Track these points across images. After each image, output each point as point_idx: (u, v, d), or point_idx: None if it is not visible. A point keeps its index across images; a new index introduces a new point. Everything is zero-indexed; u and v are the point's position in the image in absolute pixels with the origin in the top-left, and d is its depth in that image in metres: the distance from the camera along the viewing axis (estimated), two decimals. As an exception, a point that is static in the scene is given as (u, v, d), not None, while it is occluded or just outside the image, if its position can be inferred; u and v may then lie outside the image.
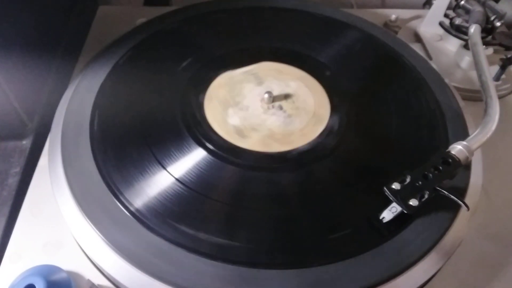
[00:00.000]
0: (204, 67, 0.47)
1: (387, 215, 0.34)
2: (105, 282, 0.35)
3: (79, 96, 0.44)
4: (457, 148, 0.35)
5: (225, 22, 0.54)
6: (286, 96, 0.45)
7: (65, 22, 0.55)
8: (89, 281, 0.34)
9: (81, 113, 0.42)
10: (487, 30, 0.53)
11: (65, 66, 0.52)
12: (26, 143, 0.45)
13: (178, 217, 0.34)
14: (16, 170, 0.43)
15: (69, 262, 0.36)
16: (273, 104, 0.44)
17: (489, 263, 0.39)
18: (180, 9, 0.56)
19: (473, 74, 0.51)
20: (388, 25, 0.60)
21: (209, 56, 0.49)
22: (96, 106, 0.43)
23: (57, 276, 0.33)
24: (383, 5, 0.72)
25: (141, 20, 0.55)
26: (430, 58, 0.56)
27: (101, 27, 0.60)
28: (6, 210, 0.40)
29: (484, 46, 0.49)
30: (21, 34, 0.44)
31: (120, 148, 0.39)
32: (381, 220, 0.34)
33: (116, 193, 0.36)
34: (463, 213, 0.37)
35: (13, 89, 0.42)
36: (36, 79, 0.47)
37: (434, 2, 0.58)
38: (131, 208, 0.35)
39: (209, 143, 0.40)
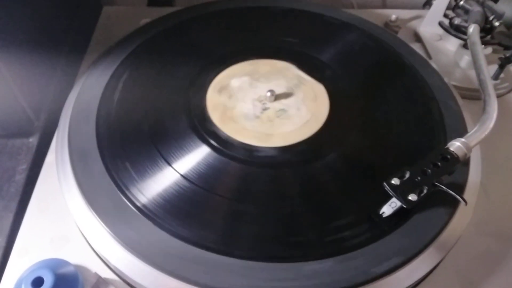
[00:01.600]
0: (208, 65, 0.48)
1: (387, 210, 0.35)
2: (111, 275, 0.36)
3: (86, 94, 0.45)
4: (455, 145, 0.36)
5: (228, 22, 0.55)
6: (288, 94, 0.45)
7: (70, 23, 0.56)
8: (96, 274, 0.35)
9: (88, 110, 0.43)
10: (486, 30, 0.54)
11: (71, 65, 0.53)
12: (33, 140, 0.46)
13: (183, 212, 0.35)
14: (23, 167, 0.44)
15: (75, 256, 0.36)
16: (274, 101, 0.45)
17: (487, 258, 0.39)
18: (183, 10, 0.57)
19: (472, 73, 0.52)
20: (389, 25, 0.61)
21: (213, 55, 0.49)
22: (102, 104, 0.43)
23: (64, 270, 0.34)
24: (384, 5, 0.73)
25: (145, 21, 0.56)
26: (430, 58, 0.57)
27: (105, 27, 0.60)
28: (13, 206, 0.41)
29: (483, 45, 0.49)
30: (28, 35, 0.45)
31: (126, 145, 0.40)
32: (381, 215, 0.35)
33: (123, 189, 0.37)
34: (462, 209, 0.37)
35: (21, 88, 0.43)
36: (42, 78, 0.48)
37: (433, 2, 0.59)
38: (137, 203, 0.36)
39: (213, 140, 0.40)
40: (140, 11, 0.63)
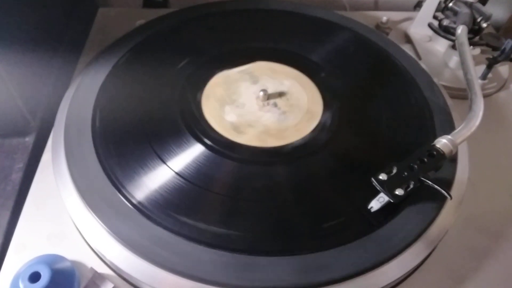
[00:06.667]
0: (201, 66, 0.49)
1: (375, 204, 0.36)
2: (107, 270, 0.37)
3: (81, 94, 0.45)
4: (442, 142, 0.37)
5: (221, 23, 0.56)
6: (281, 94, 0.46)
7: (65, 24, 0.57)
8: (92, 269, 0.36)
9: (83, 110, 0.43)
10: (474, 31, 0.55)
11: (67, 66, 0.54)
12: (29, 140, 0.46)
13: (177, 208, 0.36)
14: (20, 166, 0.45)
15: (72, 251, 0.37)
16: (268, 101, 0.46)
17: (475, 252, 0.40)
18: (177, 11, 0.58)
19: (461, 74, 0.53)
20: (380, 27, 0.62)
21: (206, 56, 0.50)
22: (97, 103, 0.44)
23: (61, 265, 0.35)
24: (376, 8, 0.74)
25: (140, 22, 0.56)
26: (420, 58, 0.58)
27: (101, 28, 0.61)
28: (10, 204, 0.42)
29: (471, 46, 0.50)
30: (24, 36, 0.46)
31: (121, 143, 0.41)
32: (369, 210, 0.36)
33: (118, 186, 0.37)
34: (449, 204, 0.38)
35: (17, 88, 0.44)
36: (38, 78, 0.49)
37: (423, 4, 0.60)
38: (133, 200, 0.37)
39: (207, 139, 0.41)
40: (135, 13, 0.63)
